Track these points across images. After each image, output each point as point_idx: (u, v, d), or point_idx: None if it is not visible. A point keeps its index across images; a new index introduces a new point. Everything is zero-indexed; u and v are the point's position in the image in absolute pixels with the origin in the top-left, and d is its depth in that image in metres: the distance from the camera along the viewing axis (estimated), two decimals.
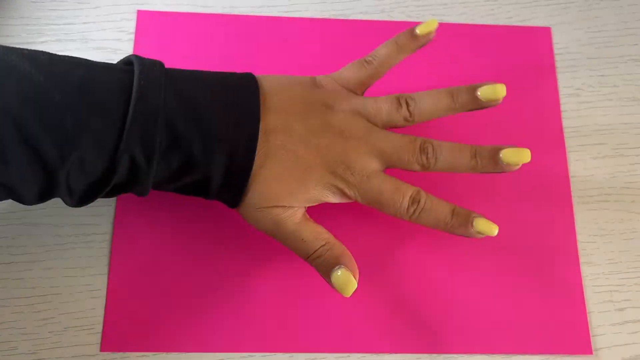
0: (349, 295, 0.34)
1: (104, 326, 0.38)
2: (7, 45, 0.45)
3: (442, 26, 0.47)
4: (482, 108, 0.37)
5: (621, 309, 0.41)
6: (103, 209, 0.41)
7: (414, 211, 0.36)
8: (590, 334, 0.40)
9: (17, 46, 0.45)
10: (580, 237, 0.42)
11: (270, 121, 0.36)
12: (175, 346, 0.38)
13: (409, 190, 0.36)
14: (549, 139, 0.44)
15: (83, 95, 0.32)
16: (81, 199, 0.34)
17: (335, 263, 0.35)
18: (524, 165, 0.36)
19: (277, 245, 0.37)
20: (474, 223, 0.36)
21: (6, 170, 0.31)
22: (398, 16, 0.47)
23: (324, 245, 0.36)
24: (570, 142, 0.44)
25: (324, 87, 0.38)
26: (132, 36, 0.45)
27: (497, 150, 0.36)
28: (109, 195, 0.35)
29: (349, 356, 0.39)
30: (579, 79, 0.46)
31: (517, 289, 0.40)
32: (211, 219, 0.41)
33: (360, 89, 0.39)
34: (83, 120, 0.31)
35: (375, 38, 0.44)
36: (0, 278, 0.39)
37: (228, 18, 0.46)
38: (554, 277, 0.41)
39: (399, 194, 0.36)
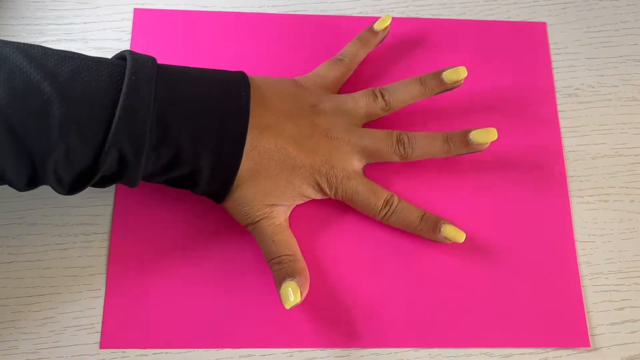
0: (287, 308, 0.36)
1: (103, 323, 0.38)
2: None
3: (440, 22, 0.47)
4: (448, 90, 0.41)
5: (620, 309, 0.41)
6: (102, 209, 0.41)
7: (386, 213, 0.39)
8: (589, 333, 0.40)
9: None
10: (580, 236, 0.42)
11: (262, 119, 0.37)
12: (174, 343, 0.38)
13: (383, 194, 0.40)
14: (546, 135, 0.44)
15: (72, 87, 0.32)
16: (70, 188, 0.35)
17: (292, 275, 0.37)
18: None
19: None
20: (441, 229, 0.39)
21: None
22: (398, 16, 0.47)
23: (289, 255, 0.38)
24: (569, 142, 0.44)
25: (307, 87, 0.41)
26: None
27: (466, 133, 0.40)
28: (99, 185, 0.36)
29: (349, 353, 0.39)
30: (578, 78, 0.46)
31: (514, 283, 0.40)
32: (209, 218, 0.41)
33: (337, 86, 0.42)
34: (70, 111, 0.32)
35: None
36: (0, 277, 0.39)
37: (225, 16, 0.46)
38: (551, 272, 0.41)
39: (374, 196, 0.39)
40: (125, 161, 0.34)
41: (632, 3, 0.48)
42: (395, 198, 0.40)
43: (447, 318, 0.39)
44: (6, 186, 0.34)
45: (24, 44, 0.33)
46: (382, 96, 0.41)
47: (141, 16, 0.46)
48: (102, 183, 0.36)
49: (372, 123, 0.42)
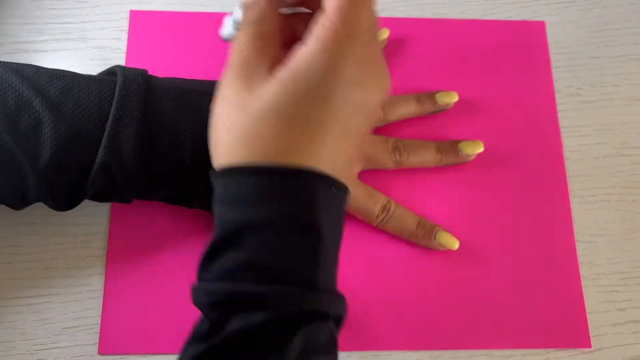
0: None
1: (101, 329, 0.38)
2: (6, 44, 0.45)
3: (438, 22, 0.47)
4: (440, 110, 0.43)
5: (622, 309, 0.40)
6: (101, 210, 0.41)
7: (383, 218, 0.40)
8: (591, 334, 0.40)
9: (17, 46, 0.45)
10: (581, 237, 0.42)
11: None
12: (174, 347, 0.38)
13: (381, 199, 0.40)
14: (546, 136, 0.44)
15: (63, 104, 0.33)
16: (65, 204, 0.35)
17: None
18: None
19: None
20: (437, 236, 0.40)
21: None
22: (398, 15, 0.47)
23: None
24: (571, 142, 0.44)
25: None
26: None
27: (456, 144, 0.42)
28: (94, 200, 0.36)
29: (349, 355, 0.38)
30: (580, 78, 0.46)
31: (515, 284, 0.40)
32: (208, 219, 0.40)
33: None
34: (61, 128, 0.32)
35: None
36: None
37: (224, 17, 0.46)
38: (553, 274, 0.41)
39: (372, 201, 0.39)
40: (115, 176, 0.34)
41: (634, 2, 0.48)
42: (393, 203, 0.40)
43: (448, 320, 0.39)
44: None
45: (17, 63, 0.34)
46: (381, 107, 0.41)
47: (137, 18, 0.45)
48: (97, 199, 0.36)
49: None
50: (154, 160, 0.34)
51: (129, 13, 0.46)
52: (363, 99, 0.28)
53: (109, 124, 0.33)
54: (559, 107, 0.45)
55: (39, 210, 0.40)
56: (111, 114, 0.33)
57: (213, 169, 0.29)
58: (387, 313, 0.39)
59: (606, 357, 0.39)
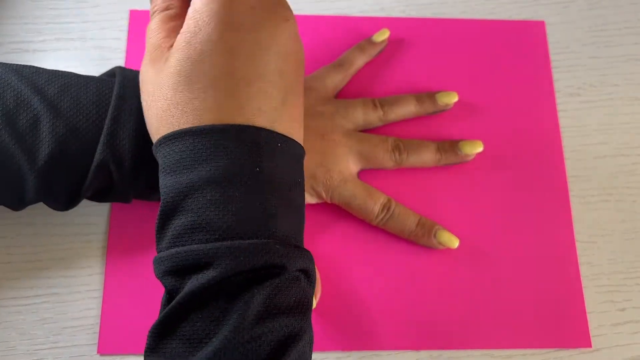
0: None
1: (100, 329, 0.38)
2: (6, 44, 0.45)
3: (438, 22, 0.47)
4: (440, 111, 0.43)
5: (622, 309, 0.40)
6: (100, 209, 0.41)
7: (383, 217, 0.39)
8: (591, 334, 0.39)
9: (16, 45, 0.45)
10: (581, 237, 0.42)
11: None
12: None
13: (380, 198, 0.39)
14: (546, 136, 0.44)
15: (61, 102, 0.33)
16: (64, 204, 0.35)
17: None
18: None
19: None
20: (436, 234, 0.40)
21: None
22: (398, 15, 0.47)
23: None
24: (571, 142, 0.44)
25: (304, 90, 0.40)
26: None
27: (455, 143, 0.42)
28: (93, 199, 0.36)
29: (349, 355, 0.38)
30: (580, 78, 0.46)
31: (515, 284, 0.40)
32: None
33: (335, 91, 0.42)
34: (59, 125, 0.32)
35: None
36: None
37: None
38: (553, 273, 0.41)
39: (372, 200, 0.39)
40: (113, 174, 0.34)
41: (634, 2, 0.48)
42: (393, 202, 0.40)
43: (448, 320, 0.39)
44: None
45: (16, 64, 0.34)
46: (382, 107, 0.42)
47: (137, 18, 0.45)
48: (96, 198, 0.36)
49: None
50: (152, 158, 0.34)
51: (128, 13, 0.46)
52: (265, 39, 0.28)
53: (107, 121, 0.33)
54: (559, 107, 0.45)
55: (38, 210, 0.40)
56: (109, 111, 0.33)
57: (155, 144, 0.29)
58: (387, 313, 0.39)
59: (606, 357, 0.39)
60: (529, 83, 0.45)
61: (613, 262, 0.41)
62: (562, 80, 0.46)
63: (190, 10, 0.28)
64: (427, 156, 0.41)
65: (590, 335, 0.39)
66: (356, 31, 0.46)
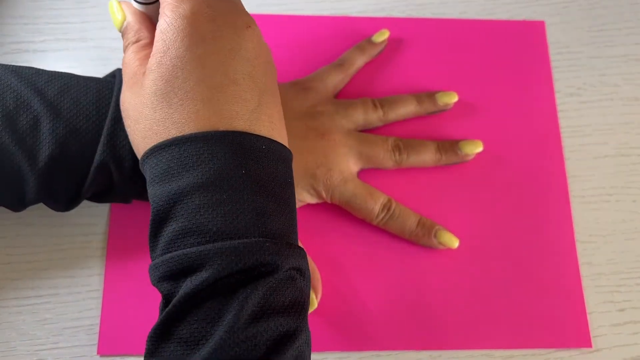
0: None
1: (100, 329, 0.38)
2: (6, 44, 0.45)
3: (438, 22, 0.47)
4: (440, 111, 0.43)
5: (622, 310, 0.40)
6: (100, 210, 0.41)
7: (383, 217, 0.39)
8: (591, 334, 0.39)
9: (16, 45, 0.45)
10: (581, 237, 0.42)
11: None
12: None
13: (381, 197, 0.40)
14: (546, 136, 0.44)
15: (61, 103, 0.33)
16: (64, 204, 0.35)
17: None
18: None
19: None
20: (437, 234, 0.40)
21: None
22: (398, 15, 0.47)
23: None
24: (571, 142, 0.44)
25: (304, 90, 0.41)
26: None
27: (455, 143, 0.42)
28: (93, 200, 0.36)
29: (349, 355, 0.38)
30: (580, 78, 0.46)
31: (515, 285, 0.40)
32: None
33: (335, 91, 0.43)
34: (59, 126, 0.32)
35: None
36: None
37: None
38: (553, 273, 0.41)
39: (372, 200, 0.39)
40: (113, 174, 0.34)
41: (634, 2, 0.48)
42: (393, 202, 0.40)
43: (448, 320, 0.39)
44: None
45: (16, 65, 0.34)
46: (382, 107, 0.42)
47: None
48: (96, 199, 0.36)
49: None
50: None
51: None
52: (230, 46, 0.29)
53: (107, 122, 0.33)
54: (559, 107, 0.45)
55: (38, 211, 0.40)
56: (109, 112, 0.33)
57: (140, 161, 0.30)
58: (387, 313, 0.39)
59: (606, 357, 0.39)
60: (529, 83, 0.45)
61: (613, 262, 0.41)
62: (562, 80, 0.46)
63: (157, 32, 0.29)
64: (427, 156, 0.41)
65: (591, 335, 0.39)
66: (356, 31, 0.46)
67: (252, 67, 0.29)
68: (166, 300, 0.27)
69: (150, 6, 0.32)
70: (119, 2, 0.33)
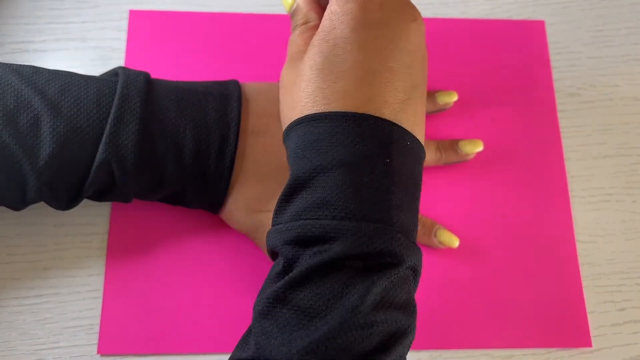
0: None
1: (100, 329, 0.38)
2: (6, 44, 0.45)
3: (437, 21, 0.47)
4: (440, 110, 0.43)
5: (622, 309, 0.40)
6: (101, 209, 0.41)
7: None
8: (591, 334, 0.39)
9: (16, 45, 0.45)
10: (581, 237, 0.42)
11: (250, 124, 0.37)
12: (173, 347, 0.38)
13: None
14: (546, 136, 0.44)
15: (62, 102, 0.33)
16: (65, 203, 0.35)
17: None
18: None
19: None
20: (437, 234, 0.40)
21: None
22: None
23: None
24: (571, 142, 0.44)
25: None
26: None
27: (455, 143, 0.41)
28: (94, 199, 0.36)
29: None
30: (580, 78, 0.46)
31: (515, 284, 0.40)
32: (208, 220, 0.40)
33: None
34: (60, 125, 0.32)
35: None
36: None
37: (223, 17, 0.46)
38: (553, 273, 0.41)
39: None
40: (114, 173, 0.34)
41: (635, 2, 0.48)
42: None
43: (448, 319, 0.39)
44: None
45: (16, 64, 0.34)
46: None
47: (137, 18, 0.45)
48: (96, 197, 0.36)
49: None
50: (154, 159, 0.34)
51: (128, 13, 0.46)
52: (394, 35, 0.29)
53: (110, 120, 0.33)
54: (559, 107, 0.45)
55: (38, 210, 0.40)
56: (112, 111, 0.33)
57: (286, 129, 0.31)
58: None
59: (606, 357, 0.39)
60: (529, 83, 0.45)
61: (613, 262, 0.41)
62: (562, 80, 0.46)
63: (326, 12, 0.30)
64: (427, 155, 0.41)
65: (591, 335, 0.39)
66: None
67: (410, 60, 0.30)
68: (287, 264, 0.27)
69: None
70: None
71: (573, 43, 0.47)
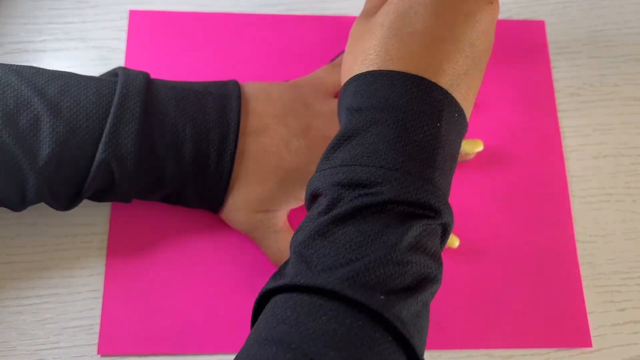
0: None
1: (100, 329, 0.38)
2: (6, 44, 0.45)
3: None
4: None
5: (622, 309, 0.40)
6: (101, 209, 0.41)
7: None
8: (591, 334, 0.39)
9: (16, 45, 0.45)
10: (581, 237, 0.42)
11: (249, 124, 0.37)
12: (173, 347, 0.38)
13: None
14: (546, 136, 0.44)
15: (61, 102, 0.33)
16: (65, 203, 0.35)
17: None
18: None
19: None
20: None
21: None
22: None
23: None
24: (571, 142, 0.44)
25: (303, 89, 0.40)
26: None
27: None
28: (94, 199, 0.36)
29: None
30: (580, 78, 0.46)
31: (515, 285, 0.40)
32: (208, 220, 0.40)
33: (335, 90, 0.42)
34: (59, 125, 0.32)
35: None
36: None
37: (223, 17, 0.46)
38: (553, 273, 0.41)
39: None
40: (114, 172, 0.34)
41: (634, 2, 0.48)
42: None
43: (448, 319, 0.39)
44: None
45: (16, 65, 0.34)
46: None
47: (137, 18, 0.45)
48: (96, 197, 0.36)
49: None
50: (154, 158, 0.34)
51: (128, 13, 0.46)
52: (467, 11, 0.30)
53: (109, 120, 0.33)
54: (559, 107, 0.45)
55: (38, 210, 0.40)
56: (112, 110, 0.33)
57: (346, 82, 0.31)
58: None
59: (606, 357, 0.39)
60: (529, 83, 0.45)
61: (613, 262, 0.41)
62: (562, 80, 0.46)
63: None
64: None
65: (591, 335, 0.39)
66: None
67: (477, 38, 0.30)
68: (332, 203, 0.28)
69: None
70: None
71: (573, 43, 0.47)
